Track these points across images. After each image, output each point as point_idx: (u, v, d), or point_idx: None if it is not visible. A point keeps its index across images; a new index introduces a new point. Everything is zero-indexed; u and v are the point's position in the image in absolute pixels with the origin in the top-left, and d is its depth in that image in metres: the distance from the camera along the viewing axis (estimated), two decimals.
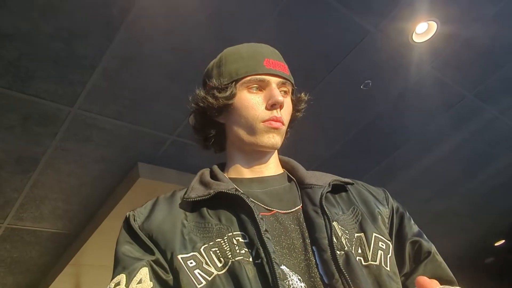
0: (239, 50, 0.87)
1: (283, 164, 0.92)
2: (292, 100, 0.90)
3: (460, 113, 3.35)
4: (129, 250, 0.73)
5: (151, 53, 2.23)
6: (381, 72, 2.77)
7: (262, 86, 0.83)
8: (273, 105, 0.80)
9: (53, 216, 3.19)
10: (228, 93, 0.82)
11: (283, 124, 0.82)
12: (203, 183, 0.82)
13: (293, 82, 0.89)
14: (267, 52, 0.86)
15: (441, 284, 0.78)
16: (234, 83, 0.83)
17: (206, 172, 0.87)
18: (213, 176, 0.85)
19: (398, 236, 0.84)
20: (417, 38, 2.59)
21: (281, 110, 0.82)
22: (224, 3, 2.11)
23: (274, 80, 0.83)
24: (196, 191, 0.78)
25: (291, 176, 0.88)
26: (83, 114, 2.41)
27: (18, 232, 3.27)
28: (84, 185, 2.96)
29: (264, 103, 0.81)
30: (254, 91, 0.82)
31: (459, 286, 0.81)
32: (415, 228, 0.86)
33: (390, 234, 0.83)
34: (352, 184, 0.89)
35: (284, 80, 0.84)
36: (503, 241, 6.71)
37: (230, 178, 0.84)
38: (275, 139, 0.81)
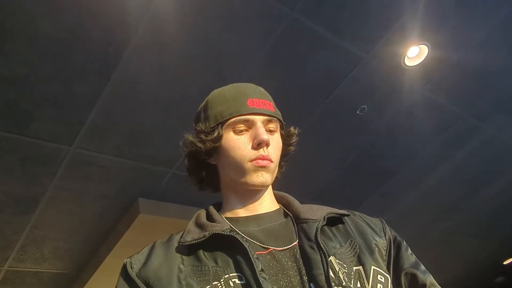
0: (223, 92, 0.89)
1: (279, 199, 0.92)
2: (281, 135, 0.91)
3: (457, 133, 3.37)
4: None
5: (146, 89, 2.26)
6: (376, 97, 2.80)
7: (247, 126, 0.84)
8: (259, 144, 0.81)
9: (54, 256, 3.16)
10: (214, 135, 0.84)
11: (271, 162, 0.82)
12: (198, 225, 0.82)
13: (280, 118, 0.90)
14: (250, 91, 0.87)
15: None
16: (220, 125, 0.84)
17: (202, 213, 0.87)
18: (209, 216, 0.85)
19: (395, 267, 0.83)
20: (409, 62, 2.63)
21: (269, 148, 0.83)
22: (216, 38, 2.15)
23: (259, 119, 0.84)
24: (192, 234, 0.79)
25: (287, 211, 0.88)
26: (82, 153, 2.42)
27: (19, 275, 3.22)
28: (84, 224, 2.94)
29: (251, 143, 0.82)
30: (240, 131, 0.83)
31: None
32: (412, 259, 0.85)
33: (388, 266, 0.82)
34: (348, 215, 0.89)
35: (269, 118, 0.85)
36: None
37: (226, 218, 0.84)
38: (264, 177, 0.81)
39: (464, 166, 3.83)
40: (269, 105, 0.87)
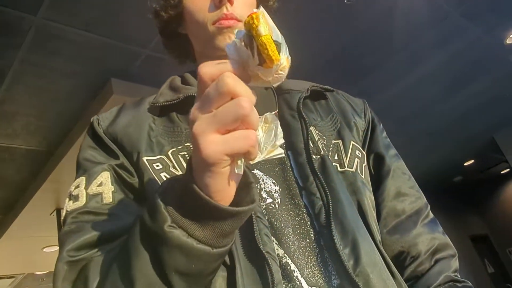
0: None
1: None
2: None
3: (444, 31, 3.28)
4: (92, 155, 0.70)
5: None
6: None
7: None
8: (220, 1, 0.70)
9: (26, 132, 3.13)
10: (174, 1, 0.76)
11: (238, 20, 0.72)
12: (172, 88, 0.77)
13: None
14: None
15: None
16: None
17: (176, 78, 0.82)
18: (184, 81, 0.80)
19: (368, 148, 0.83)
20: None
21: (234, 5, 0.72)
22: None
23: None
24: (165, 96, 0.75)
25: None
26: (48, 24, 2.25)
27: None
28: (56, 101, 2.86)
29: (212, 1, 0.72)
30: None
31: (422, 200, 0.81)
32: (385, 141, 0.85)
33: (363, 146, 0.82)
34: (332, 91, 0.87)
35: None
36: (472, 161, 7.01)
37: None
38: (232, 39, 0.75)
39: (445, 67, 3.82)
40: None
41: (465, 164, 7.10)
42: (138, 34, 2.49)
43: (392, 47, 3.34)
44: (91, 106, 2.93)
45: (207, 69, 0.42)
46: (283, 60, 0.42)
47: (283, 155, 0.44)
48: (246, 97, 0.40)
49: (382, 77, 3.70)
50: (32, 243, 4.99)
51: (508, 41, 3.65)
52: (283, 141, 0.45)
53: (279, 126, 0.45)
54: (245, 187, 0.46)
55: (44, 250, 5.23)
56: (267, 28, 0.41)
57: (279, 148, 0.45)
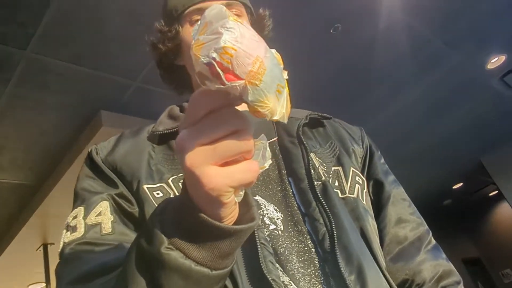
0: None
1: None
2: (249, 21, 0.83)
3: (427, 59, 3.36)
4: (90, 185, 0.69)
5: None
6: (351, 16, 2.70)
7: None
8: None
9: (13, 167, 3.07)
10: (172, 33, 0.79)
11: None
12: (171, 117, 0.79)
13: (244, 1, 0.81)
14: None
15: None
16: (176, 21, 0.79)
17: (175, 107, 0.83)
18: (183, 110, 0.81)
19: (367, 174, 0.83)
20: None
21: None
22: None
23: None
24: (164, 125, 0.76)
25: None
26: (37, 58, 2.26)
27: None
28: (44, 134, 2.83)
29: None
30: (197, 22, 0.75)
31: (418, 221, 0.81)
32: (383, 168, 0.86)
33: (362, 173, 0.82)
34: (329, 119, 0.88)
35: (229, 1, 0.77)
36: (461, 184, 7.05)
37: None
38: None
39: (429, 93, 3.89)
40: None
41: (454, 187, 7.14)
42: (127, 66, 2.51)
43: (377, 75, 3.41)
44: (80, 138, 2.90)
45: (207, 99, 0.38)
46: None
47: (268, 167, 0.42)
48: (248, 129, 0.38)
49: (369, 104, 3.75)
50: (16, 280, 4.83)
51: (489, 66, 3.75)
52: (271, 162, 0.43)
53: (268, 148, 0.42)
54: (244, 205, 0.44)
55: (29, 287, 5.05)
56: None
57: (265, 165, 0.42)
